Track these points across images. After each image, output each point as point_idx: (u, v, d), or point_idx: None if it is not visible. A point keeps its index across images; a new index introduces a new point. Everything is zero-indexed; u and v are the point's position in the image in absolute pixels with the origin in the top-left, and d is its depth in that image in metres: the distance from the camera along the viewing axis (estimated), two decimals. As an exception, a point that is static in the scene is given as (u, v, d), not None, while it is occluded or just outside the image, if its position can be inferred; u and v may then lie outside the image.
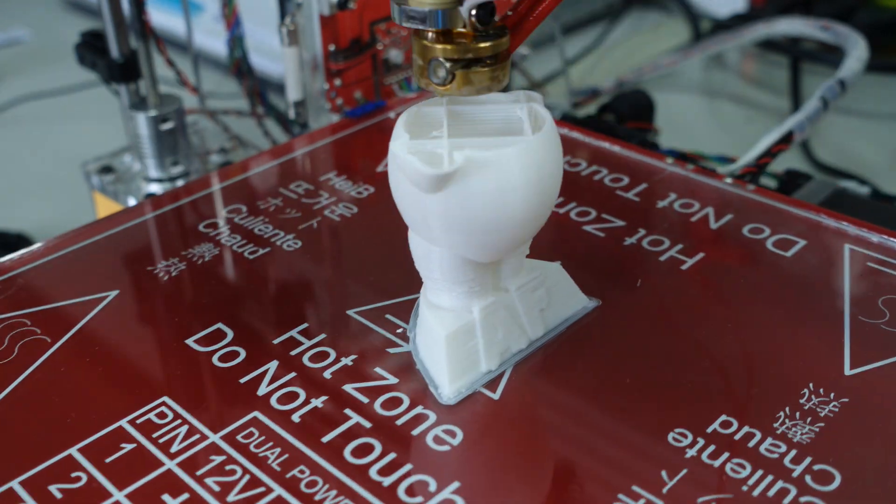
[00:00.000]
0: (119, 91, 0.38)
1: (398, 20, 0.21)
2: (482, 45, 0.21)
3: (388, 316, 0.25)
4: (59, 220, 0.46)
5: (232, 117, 0.45)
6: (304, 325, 0.25)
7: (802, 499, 0.19)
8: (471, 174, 0.20)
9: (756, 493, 0.19)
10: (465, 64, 0.21)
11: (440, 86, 0.21)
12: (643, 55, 0.60)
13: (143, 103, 0.38)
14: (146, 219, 0.30)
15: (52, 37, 0.68)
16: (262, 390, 0.23)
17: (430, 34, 0.21)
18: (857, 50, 0.43)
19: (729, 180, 0.31)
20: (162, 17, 0.37)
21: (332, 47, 0.37)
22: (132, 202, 0.38)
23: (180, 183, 0.38)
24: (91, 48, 0.38)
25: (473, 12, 0.21)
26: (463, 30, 0.21)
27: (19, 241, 0.42)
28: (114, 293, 0.26)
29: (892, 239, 0.27)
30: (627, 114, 0.43)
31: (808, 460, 0.20)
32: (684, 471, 0.20)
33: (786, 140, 0.35)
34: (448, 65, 0.21)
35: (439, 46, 0.21)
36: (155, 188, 0.38)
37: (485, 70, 0.21)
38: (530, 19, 0.22)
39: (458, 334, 0.22)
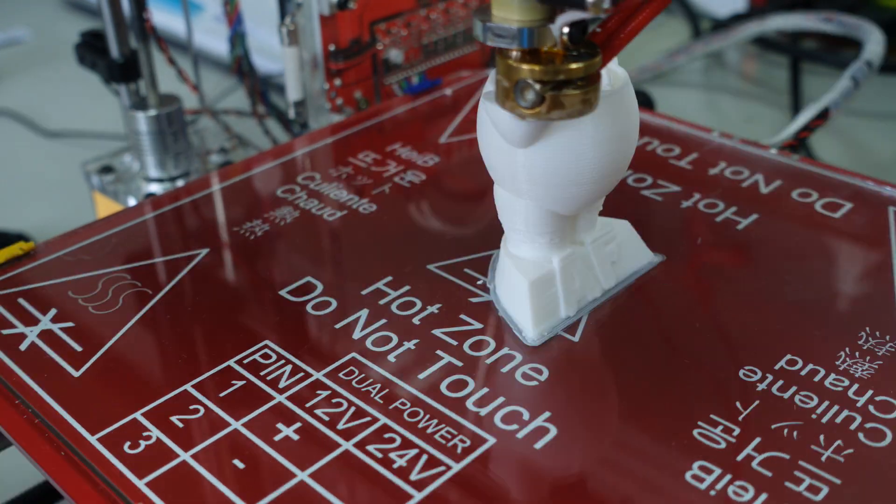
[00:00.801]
0: (119, 91, 0.38)
1: (482, 38, 0.20)
2: (574, 65, 0.20)
3: (466, 270, 0.27)
4: (59, 220, 0.46)
5: (232, 117, 0.45)
6: (389, 278, 0.27)
7: (868, 425, 0.21)
8: (556, 129, 0.22)
9: (825, 420, 0.21)
10: (556, 86, 0.20)
11: (528, 109, 0.20)
12: (643, 55, 0.60)
13: (143, 103, 0.38)
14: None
15: (52, 37, 0.69)
16: (357, 334, 0.24)
17: (514, 53, 0.20)
18: (875, 35, 0.44)
19: (774, 151, 0.32)
20: (162, 17, 0.38)
21: (332, 47, 0.37)
22: (132, 202, 0.38)
23: (180, 183, 0.38)
24: (91, 48, 0.38)
25: (566, 30, 0.20)
26: (551, 49, 0.20)
27: (19, 241, 0.42)
28: (205, 251, 0.28)
29: (933, 201, 0.29)
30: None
31: (870, 392, 0.22)
32: (756, 402, 0.22)
33: (822, 116, 0.37)
34: (538, 87, 0.20)
35: (526, 67, 0.20)
36: (155, 188, 0.39)
37: (576, 93, 0.20)
38: (621, 36, 0.21)
39: (541, 282, 0.24)
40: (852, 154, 0.50)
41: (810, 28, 0.49)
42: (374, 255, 0.28)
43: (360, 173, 0.32)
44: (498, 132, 0.23)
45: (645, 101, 0.46)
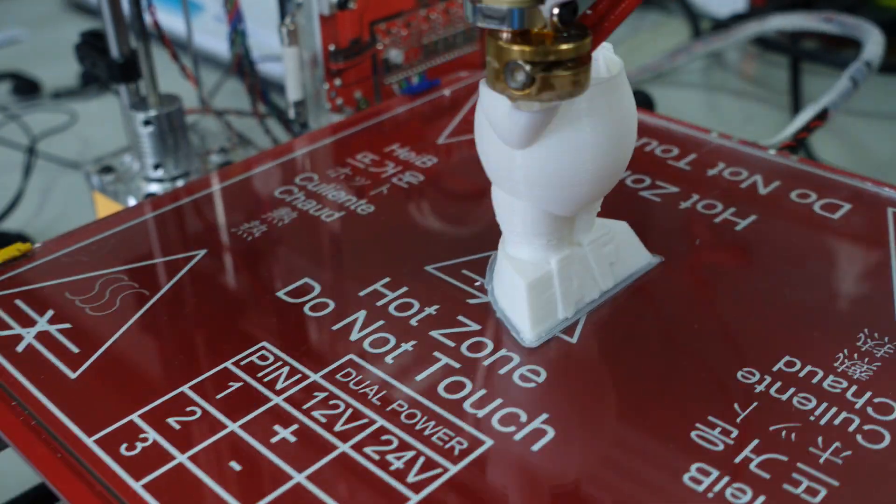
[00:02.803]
0: (119, 91, 0.38)
1: (472, 19, 0.20)
2: (564, 46, 0.20)
3: (463, 271, 0.27)
4: (59, 220, 0.46)
5: (232, 117, 0.45)
6: (387, 280, 0.27)
7: (866, 427, 0.21)
8: (554, 129, 0.22)
9: (823, 422, 0.21)
10: (546, 67, 0.20)
11: (518, 90, 0.20)
12: (643, 55, 0.61)
13: (143, 103, 0.38)
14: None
15: (52, 37, 0.69)
16: (355, 336, 0.24)
17: (505, 34, 0.20)
18: (874, 35, 0.44)
19: (773, 151, 0.32)
20: (162, 17, 0.38)
21: (332, 47, 0.37)
22: (132, 202, 0.38)
23: (180, 183, 0.38)
24: (91, 48, 0.38)
25: (556, 11, 0.20)
26: (541, 30, 0.20)
27: (19, 241, 0.42)
28: (203, 252, 0.28)
29: (932, 202, 0.29)
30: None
31: (868, 394, 0.22)
32: (755, 403, 0.22)
33: (821, 117, 0.37)
34: (528, 68, 0.20)
35: (517, 48, 0.20)
36: (155, 188, 0.39)
37: (566, 74, 0.20)
38: (611, 18, 0.21)
39: (538, 283, 0.24)
40: (852, 154, 0.50)
41: (810, 28, 0.49)
42: (372, 257, 0.28)
43: (359, 174, 0.32)
44: (495, 133, 0.23)
45: (645, 101, 0.46)
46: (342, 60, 0.38)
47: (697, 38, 0.57)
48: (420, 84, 0.38)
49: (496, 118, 0.22)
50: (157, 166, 0.38)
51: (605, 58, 0.23)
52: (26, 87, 0.60)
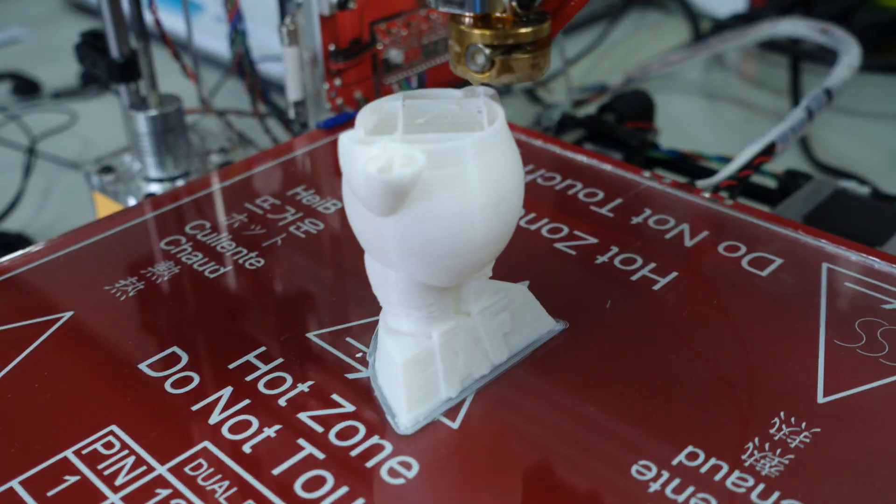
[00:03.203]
0: (119, 91, 0.38)
1: (433, 4, 0.21)
2: (522, 30, 0.20)
3: (348, 339, 0.24)
4: (60, 221, 0.46)
5: (232, 117, 0.45)
6: (262, 349, 0.24)
7: (769, 537, 0.19)
8: (425, 192, 0.19)
9: (721, 530, 0.19)
10: (505, 50, 0.21)
11: (478, 73, 0.21)
12: (643, 55, 0.60)
13: (143, 103, 0.38)
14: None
15: (52, 37, 0.68)
16: (214, 419, 0.22)
17: (466, 19, 0.21)
18: (849, 56, 0.42)
19: (707, 195, 0.30)
20: (162, 18, 0.38)
21: (332, 47, 0.37)
22: (132, 202, 0.38)
23: (180, 183, 0.38)
24: (91, 48, 0.38)
25: None
26: (502, 14, 0.20)
27: (19, 241, 0.42)
28: (69, 314, 0.26)
29: (871, 258, 0.26)
30: (627, 114, 0.43)
31: (776, 495, 0.19)
32: (647, 506, 0.19)
33: (767, 152, 0.34)
34: (487, 51, 0.21)
35: (477, 32, 0.21)
36: (155, 188, 0.38)
37: (525, 57, 0.21)
38: (571, 4, 0.22)
39: (417, 361, 0.22)
40: (851, 154, 0.49)
41: (809, 37, 0.48)
42: (252, 321, 0.25)
43: (255, 221, 0.30)
44: (356, 199, 0.20)
45: (645, 102, 0.44)
46: (342, 60, 0.37)
47: (701, 41, 0.56)
48: (338, 116, 0.36)
49: (354, 181, 0.20)
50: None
51: (486, 107, 0.21)
52: (26, 87, 0.59)
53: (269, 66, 0.52)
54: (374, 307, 0.24)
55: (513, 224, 0.21)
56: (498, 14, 0.20)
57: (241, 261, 0.28)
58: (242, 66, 0.39)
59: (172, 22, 0.57)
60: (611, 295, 0.26)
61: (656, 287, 0.26)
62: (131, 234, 0.29)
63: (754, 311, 0.25)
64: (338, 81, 0.37)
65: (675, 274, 0.26)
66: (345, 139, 0.19)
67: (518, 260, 0.26)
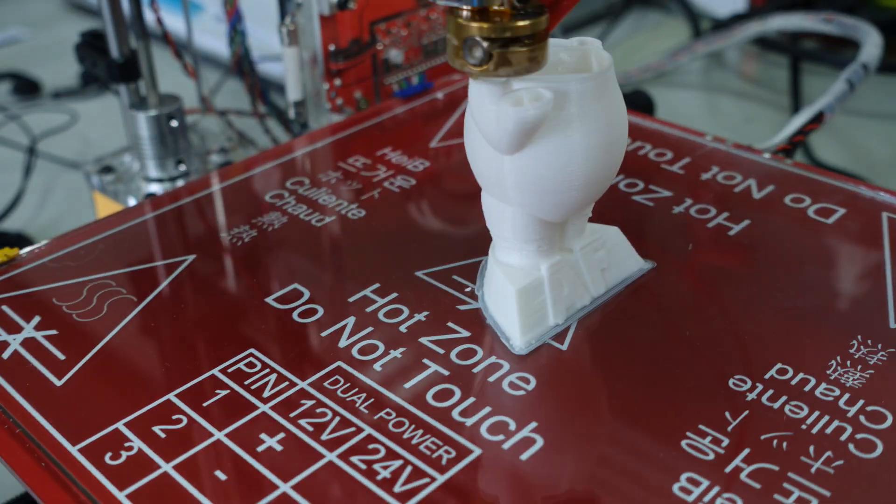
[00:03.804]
0: (119, 91, 0.38)
1: None
2: (520, 23, 0.20)
3: (454, 276, 0.27)
4: (59, 221, 0.46)
5: (232, 117, 0.45)
6: (376, 286, 0.26)
7: (859, 436, 0.21)
8: (543, 134, 0.22)
9: (815, 430, 0.21)
10: (503, 43, 0.21)
11: (476, 66, 0.21)
12: (643, 55, 0.60)
13: (143, 103, 0.38)
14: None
15: (52, 37, 0.68)
16: (343, 342, 0.24)
17: (464, 12, 0.21)
18: (872, 37, 0.44)
19: (767, 155, 0.32)
20: (162, 17, 0.38)
21: (332, 47, 0.37)
22: (132, 202, 0.38)
23: (180, 183, 0.38)
24: (91, 48, 0.38)
25: None
26: (500, 8, 0.21)
27: (19, 241, 0.42)
28: (192, 257, 0.28)
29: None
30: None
31: (861, 402, 0.22)
32: (746, 412, 0.22)
33: (817, 120, 0.37)
34: (485, 44, 0.20)
35: (475, 25, 0.21)
36: (155, 188, 0.38)
37: (523, 50, 0.21)
38: None
39: (528, 289, 0.24)
40: (851, 155, 0.50)
41: (810, 29, 0.49)
42: (362, 262, 0.28)
43: (350, 178, 0.32)
44: (484, 138, 0.22)
45: (645, 102, 0.46)
46: (342, 60, 0.38)
47: (698, 38, 0.57)
48: (414, 86, 0.38)
49: (485, 123, 0.22)
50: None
51: (595, 53, 0.23)
52: (26, 87, 0.59)
53: (269, 65, 0.52)
54: (474, 251, 0.27)
55: (618, 164, 0.23)
56: (496, 7, 0.20)
57: (343, 211, 0.30)
58: (242, 66, 0.39)
59: (172, 22, 0.56)
60: (691, 240, 0.28)
61: (731, 233, 0.28)
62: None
63: (824, 252, 0.27)
64: (338, 81, 0.38)
65: (747, 222, 0.28)
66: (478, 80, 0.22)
67: (602, 210, 0.29)
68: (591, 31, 0.64)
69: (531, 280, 0.24)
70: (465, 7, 0.21)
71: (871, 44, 0.44)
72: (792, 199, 0.29)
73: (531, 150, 0.22)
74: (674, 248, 0.27)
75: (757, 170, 0.31)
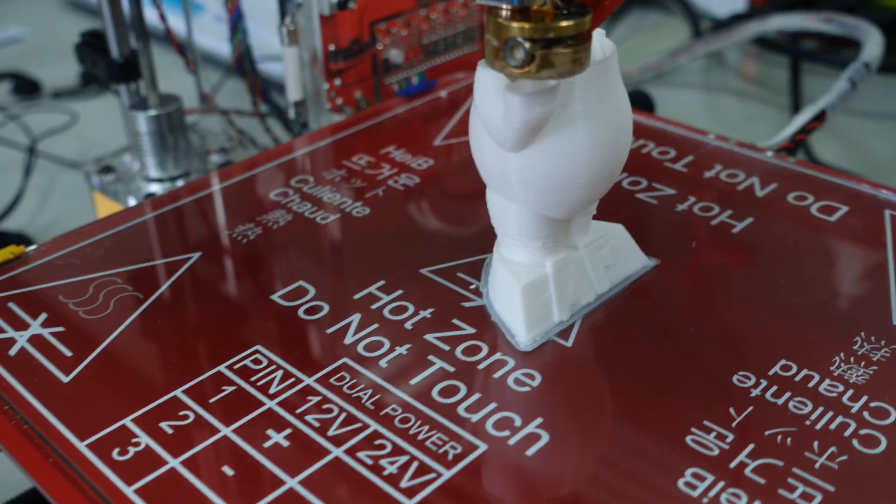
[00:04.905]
0: (119, 91, 0.38)
1: None
2: (564, 23, 0.20)
3: (459, 274, 0.27)
4: (59, 220, 0.46)
5: (232, 116, 0.45)
6: (382, 283, 0.26)
7: (862, 431, 0.21)
8: (548, 132, 0.22)
9: (819, 426, 0.21)
10: (546, 44, 0.20)
11: (517, 68, 0.20)
12: (643, 55, 0.60)
13: (143, 103, 0.38)
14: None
15: (52, 37, 0.68)
16: (349, 339, 0.24)
17: (504, 11, 0.20)
18: (873, 36, 0.44)
19: (770, 153, 0.32)
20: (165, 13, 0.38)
21: (332, 47, 0.37)
22: (132, 202, 0.38)
23: (180, 183, 0.38)
24: (91, 48, 0.38)
25: None
26: (541, 7, 0.20)
27: (19, 241, 0.42)
28: (197, 254, 0.28)
29: (930, 204, 0.29)
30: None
31: (864, 398, 0.22)
32: (750, 408, 0.22)
33: (819, 118, 0.37)
34: (527, 45, 0.20)
35: (516, 25, 0.20)
36: (155, 188, 0.38)
37: (567, 51, 0.20)
38: None
39: (534, 286, 0.24)
40: (852, 154, 0.50)
41: (811, 28, 0.49)
42: (367, 259, 0.28)
43: (354, 176, 0.32)
44: (490, 135, 0.22)
45: (645, 102, 0.46)
46: (342, 60, 0.38)
47: (698, 38, 0.57)
48: (417, 85, 0.38)
49: (490, 120, 0.22)
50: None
51: (599, 41, 0.23)
52: (26, 87, 0.60)
53: (270, 65, 0.52)
54: (480, 247, 0.27)
55: (622, 161, 0.23)
56: (537, 7, 0.20)
57: (347, 209, 0.30)
58: (243, 65, 0.39)
59: (172, 22, 0.57)
60: (694, 237, 0.28)
61: (735, 230, 0.28)
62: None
63: (827, 249, 0.27)
64: (338, 81, 0.38)
65: (751, 219, 0.29)
66: (485, 73, 0.22)
67: (606, 207, 0.29)
68: (590, 30, 0.64)
69: (536, 277, 0.24)
70: (504, 6, 0.20)
71: (873, 43, 0.44)
72: (795, 196, 0.30)
73: (536, 148, 0.22)
74: (677, 246, 0.28)
75: (760, 168, 0.31)
